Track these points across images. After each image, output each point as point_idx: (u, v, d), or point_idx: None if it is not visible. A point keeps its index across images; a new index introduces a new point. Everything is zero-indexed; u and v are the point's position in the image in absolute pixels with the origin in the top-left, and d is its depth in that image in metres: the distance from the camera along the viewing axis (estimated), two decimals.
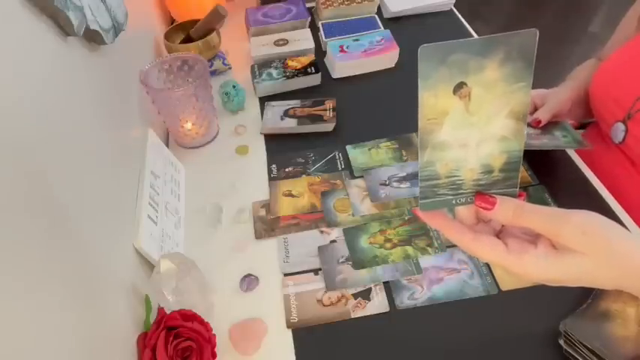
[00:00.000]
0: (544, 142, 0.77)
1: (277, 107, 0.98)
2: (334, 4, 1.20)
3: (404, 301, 0.65)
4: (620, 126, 0.75)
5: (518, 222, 0.39)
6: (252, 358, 0.62)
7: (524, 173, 0.79)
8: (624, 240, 0.38)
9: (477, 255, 0.41)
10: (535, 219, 0.39)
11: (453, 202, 0.41)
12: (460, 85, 0.36)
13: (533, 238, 0.41)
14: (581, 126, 0.99)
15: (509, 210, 0.39)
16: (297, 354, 0.62)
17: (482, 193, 0.41)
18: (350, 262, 0.70)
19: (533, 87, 0.37)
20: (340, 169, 0.85)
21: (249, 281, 0.70)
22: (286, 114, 0.96)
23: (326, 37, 1.13)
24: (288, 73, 1.02)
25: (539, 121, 0.79)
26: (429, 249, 0.70)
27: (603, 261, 0.38)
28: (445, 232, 0.42)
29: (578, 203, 0.74)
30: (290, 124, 0.93)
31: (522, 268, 0.40)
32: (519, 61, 0.35)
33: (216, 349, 0.58)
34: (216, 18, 1.03)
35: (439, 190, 0.41)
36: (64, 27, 0.55)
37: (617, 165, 0.79)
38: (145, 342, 0.56)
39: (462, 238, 0.41)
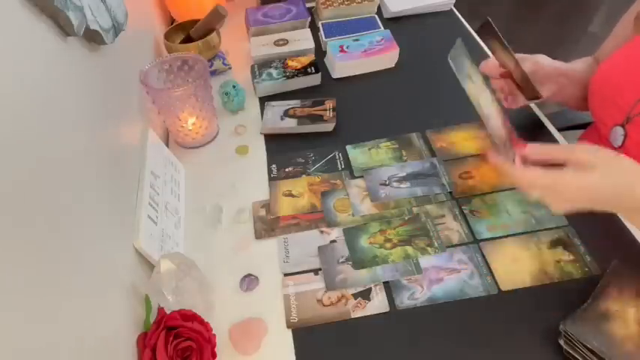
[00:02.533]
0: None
1: (277, 107, 0.98)
2: (334, 4, 1.20)
3: (404, 301, 0.65)
4: (619, 130, 0.74)
5: (544, 153, 0.58)
6: (252, 358, 0.62)
7: None
8: (627, 158, 0.54)
9: (525, 179, 0.57)
10: (555, 148, 0.60)
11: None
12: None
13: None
14: (581, 126, 0.99)
15: (536, 147, 0.58)
16: (297, 354, 0.62)
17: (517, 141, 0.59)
18: (350, 262, 0.70)
19: None
20: (340, 169, 0.85)
21: (249, 281, 0.70)
22: (286, 114, 0.96)
23: (326, 37, 1.13)
24: (288, 73, 1.02)
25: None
26: (429, 249, 0.71)
27: (611, 168, 0.54)
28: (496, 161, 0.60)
29: None
30: (290, 124, 0.93)
31: (563, 182, 0.54)
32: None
33: (216, 349, 0.58)
34: (216, 18, 1.03)
35: None
36: (64, 27, 0.55)
37: None
38: (145, 342, 0.56)
39: (510, 166, 0.58)
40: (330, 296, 0.67)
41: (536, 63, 0.78)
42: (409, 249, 0.71)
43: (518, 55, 0.74)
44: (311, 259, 0.71)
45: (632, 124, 0.72)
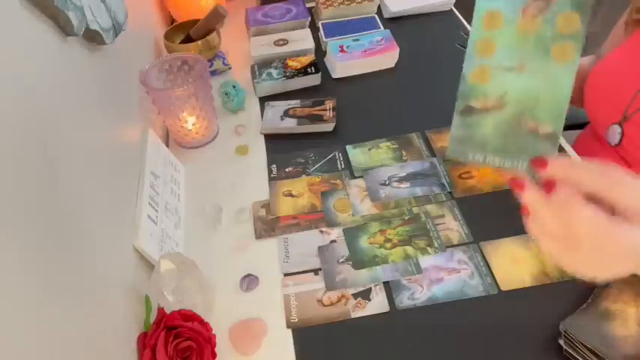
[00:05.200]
0: None
1: (277, 107, 0.98)
2: (334, 4, 1.20)
3: (404, 301, 0.65)
4: (616, 128, 0.75)
5: (571, 175, 0.37)
6: (252, 358, 0.62)
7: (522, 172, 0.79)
8: None
9: (572, 216, 0.36)
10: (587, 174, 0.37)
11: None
12: None
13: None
14: (579, 126, 1.00)
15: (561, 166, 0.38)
16: (297, 354, 0.62)
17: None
18: (350, 262, 0.70)
19: None
20: (340, 169, 0.85)
21: (249, 281, 0.70)
22: (286, 114, 0.96)
23: (326, 37, 1.13)
24: (288, 73, 1.02)
25: None
26: (429, 249, 0.71)
27: None
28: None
29: None
30: (290, 124, 0.93)
31: (621, 232, 0.36)
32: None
33: (216, 349, 0.58)
34: (216, 18, 1.03)
35: None
36: (64, 27, 0.55)
37: None
38: (145, 342, 0.56)
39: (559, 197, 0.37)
40: (330, 296, 0.67)
41: None
42: (409, 249, 0.71)
43: None
44: (311, 259, 0.71)
45: (629, 122, 0.73)
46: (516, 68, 0.37)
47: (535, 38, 0.36)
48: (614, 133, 0.76)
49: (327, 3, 1.20)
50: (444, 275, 0.68)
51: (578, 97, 0.87)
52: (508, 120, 0.38)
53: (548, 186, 0.38)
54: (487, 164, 0.40)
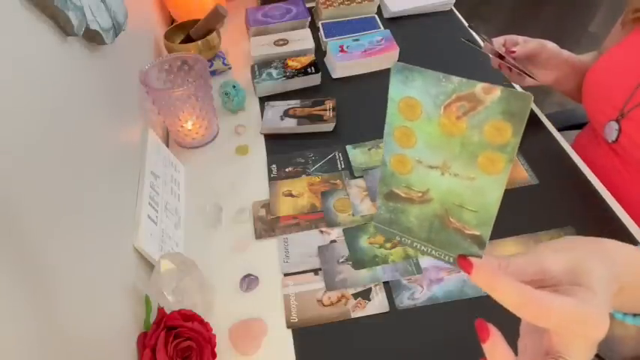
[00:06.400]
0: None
1: (277, 107, 0.98)
2: (334, 4, 1.20)
3: (404, 301, 0.65)
4: (614, 125, 0.76)
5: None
6: (252, 358, 0.62)
7: (522, 172, 0.79)
8: (601, 240, 0.36)
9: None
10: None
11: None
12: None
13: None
14: (579, 126, 1.00)
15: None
16: (297, 354, 0.62)
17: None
18: (350, 262, 0.70)
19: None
20: (340, 169, 0.85)
21: (249, 281, 0.70)
22: (286, 114, 0.96)
23: (326, 37, 1.13)
24: (288, 73, 1.02)
25: (514, 51, 0.82)
26: None
27: (598, 258, 0.35)
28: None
29: (577, 203, 0.74)
30: (290, 124, 0.93)
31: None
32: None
33: (216, 349, 0.58)
34: (216, 18, 1.03)
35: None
36: (64, 27, 0.55)
37: (609, 164, 0.80)
38: (145, 342, 0.56)
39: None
40: (330, 296, 0.67)
41: (542, 44, 0.82)
42: (409, 249, 0.71)
43: (525, 38, 0.82)
44: (311, 259, 0.71)
45: (627, 119, 0.74)
46: (439, 167, 0.32)
47: (460, 142, 0.30)
48: (612, 130, 0.76)
49: (327, 3, 1.20)
50: (444, 275, 0.68)
51: (578, 93, 0.88)
52: (433, 216, 0.34)
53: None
54: (415, 249, 0.36)
